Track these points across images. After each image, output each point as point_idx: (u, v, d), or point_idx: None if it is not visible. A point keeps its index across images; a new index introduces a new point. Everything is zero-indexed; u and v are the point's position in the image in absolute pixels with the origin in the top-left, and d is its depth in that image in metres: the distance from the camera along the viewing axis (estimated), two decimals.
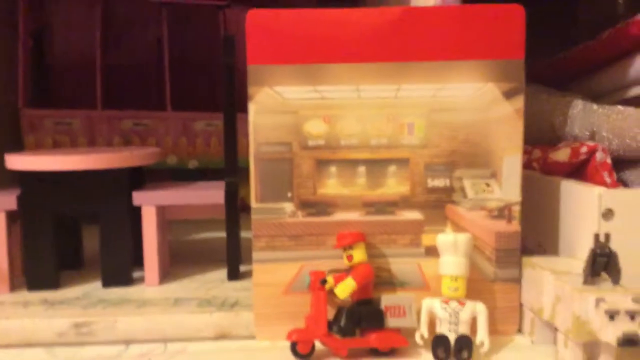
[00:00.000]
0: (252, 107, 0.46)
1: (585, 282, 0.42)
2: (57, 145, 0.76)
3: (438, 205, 0.48)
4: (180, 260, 0.62)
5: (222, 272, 0.57)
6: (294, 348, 0.43)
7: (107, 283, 0.54)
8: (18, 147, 0.76)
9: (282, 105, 0.46)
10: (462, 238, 0.45)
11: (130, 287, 0.54)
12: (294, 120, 0.46)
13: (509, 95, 0.47)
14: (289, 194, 0.47)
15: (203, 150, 0.81)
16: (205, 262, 0.61)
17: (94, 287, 0.54)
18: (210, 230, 0.76)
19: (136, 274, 0.55)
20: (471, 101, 0.47)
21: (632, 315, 0.39)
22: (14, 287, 0.53)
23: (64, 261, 0.56)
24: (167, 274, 0.57)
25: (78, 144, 0.77)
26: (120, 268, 0.54)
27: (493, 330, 0.46)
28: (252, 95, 0.46)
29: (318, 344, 0.44)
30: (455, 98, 0.47)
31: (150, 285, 0.54)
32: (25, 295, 0.52)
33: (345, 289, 0.44)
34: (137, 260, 0.55)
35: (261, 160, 0.47)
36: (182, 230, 0.76)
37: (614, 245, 0.43)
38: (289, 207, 0.47)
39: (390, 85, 0.46)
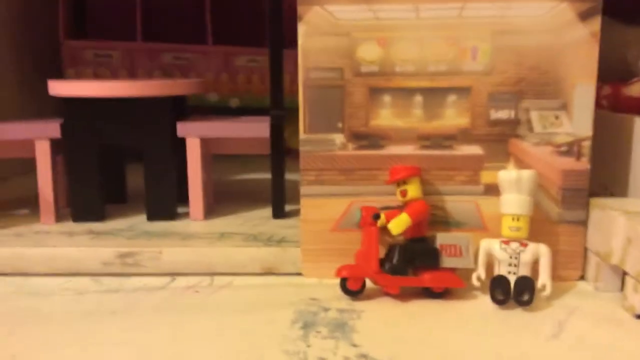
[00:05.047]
0: (301, 28, 0.43)
1: None
2: (97, 78, 0.75)
3: (501, 139, 0.44)
4: (224, 199, 0.60)
5: (267, 211, 0.55)
6: (343, 284, 0.42)
7: (151, 216, 0.53)
8: (59, 79, 0.75)
9: (334, 26, 0.43)
10: (527, 174, 0.42)
11: (175, 222, 0.53)
12: (346, 43, 0.43)
13: (584, 16, 0.42)
14: (340, 125, 0.44)
15: (245, 87, 0.78)
16: (250, 201, 0.59)
17: (138, 221, 0.53)
18: (254, 171, 0.74)
19: (181, 210, 0.54)
20: (542, 22, 0.42)
21: None
22: (59, 218, 0.53)
23: (108, 196, 0.55)
24: (211, 210, 0.56)
25: (118, 77, 0.76)
26: (165, 201, 0.53)
27: (554, 275, 0.43)
28: (301, 15, 0.43)
29: (368, 282, 0.42)
30: (524, 19, 0.42)
31: (195, 220, 0.53)
32: (70, 225, 0.51)
33: (399, 225, 0.41)
34: (182, 198, 0.54)
35: (310, 87, 0.44)
36: (226, 170, 0.75)
37: None
38: (339, 138, 0.44)
39: (452, 3, 0.42)
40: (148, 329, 0.37)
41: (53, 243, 0.47)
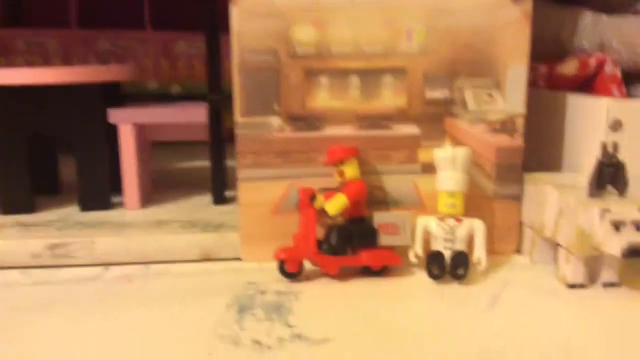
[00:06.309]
0: (235, 12, 0.42)
1: (591, 194, 0.40)
2: (30, 67, 0.72)
3: (437, 118, 0.44)
4: (163, 187, 0.59)
5: (207, 198, 0.54)
6: (282, 267, 0.41)
7: (85, 206, 0.51)
8: None
9: (269, 8, 0.42)
10: (462, 152, 0.42)
11: (110, 212, 0.51)
12: (282, 25, 0.42)
13: None
14: (276, 108, 0.44)
15: (186, 74, 0.77)
16: (190, 188, 0.58)
17: (71, 212, 0.51)
18: (194, 159, 0.73)
19: (116, 200, 0.53)
20: (475, 3, 0.43)
21: (638, 226, 0.37)
22: None
23: (40, 187, 0.53)
24: (149, 199, 0.54)
25: (52, 65, 0.72)
26: (99, 190, 0.51)
27: (491, 250, 0.44)
28: None
29: (307, 264, 0.42)
30: (458, 1, 0.42)
31: (131, 209, 0.51)
32: None
33: (336, 205, 0.41)
34: (118, 188, 0.52)
35: (246, 70, 0.43)
36: (165, 158, 0.73)
37: (621, 157, 0.41)
38: (276, 121, 0.44)
39: None
40: (80, 320, 0.36)
41: None
